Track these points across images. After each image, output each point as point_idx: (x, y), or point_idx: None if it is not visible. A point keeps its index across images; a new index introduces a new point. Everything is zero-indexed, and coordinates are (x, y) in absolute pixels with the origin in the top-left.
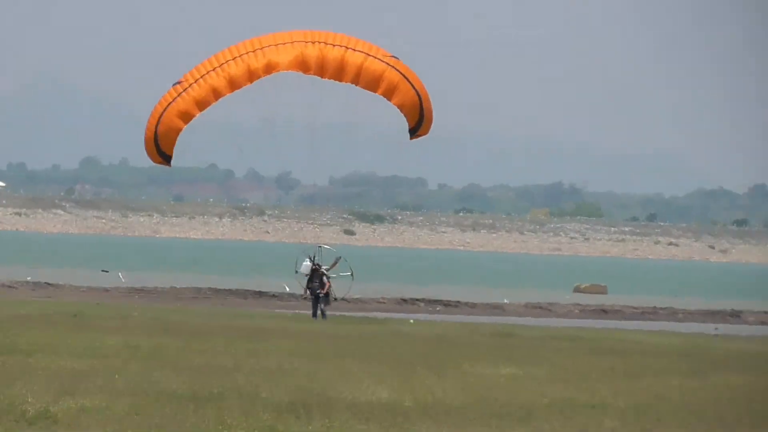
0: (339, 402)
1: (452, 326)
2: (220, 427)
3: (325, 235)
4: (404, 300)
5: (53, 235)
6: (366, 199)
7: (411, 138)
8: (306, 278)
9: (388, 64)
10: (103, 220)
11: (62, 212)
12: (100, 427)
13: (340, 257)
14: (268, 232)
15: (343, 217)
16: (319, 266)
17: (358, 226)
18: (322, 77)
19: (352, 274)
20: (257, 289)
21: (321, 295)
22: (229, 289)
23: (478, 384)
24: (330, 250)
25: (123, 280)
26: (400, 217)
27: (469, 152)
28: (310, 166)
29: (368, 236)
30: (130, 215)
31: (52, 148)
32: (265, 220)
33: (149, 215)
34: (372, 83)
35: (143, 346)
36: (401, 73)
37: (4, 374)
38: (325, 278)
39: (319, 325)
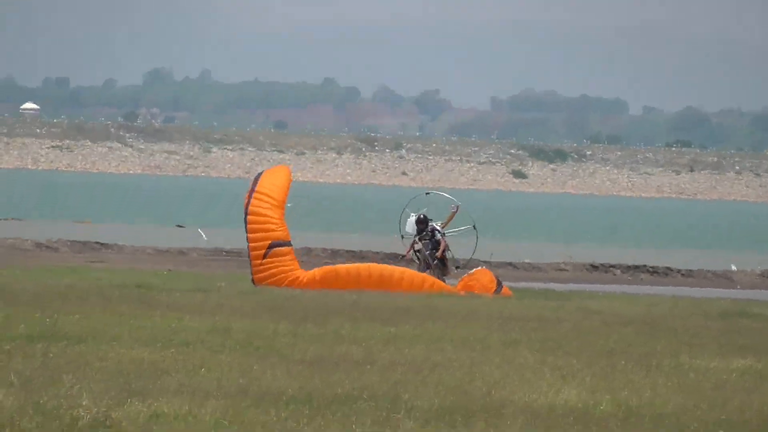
0: (510, 406)
1: (662, 302)
2: None
3: (486, 179)
4: (594, 266)
5: (107, 176)
6: (543, 129)
7: None
8: (415, 240)
9: None
10: (177, 157)
11: (120, 145)
12: None
13: (457, 206)
14: (406, 174)
15: (511, 154)
16: (428, 221)
17: (532, 166)
18: None
19: (474, 227)
20: (389, 251)
21: (434, 262)
22: (351, 251)
23: (700, 382)
24: (442, 196)
25: (205, 239)
26: (589, 153)
27: (690, 60)
28: (466, 82)
29: (544, 179)
30: (214, 149)
31: (107, 57)
32: (401, 157)
33: (241, 149)
34: None
35: (236, 331)
36: None
37: (46, 367)
38: (438, 235)
39: (478, 302)
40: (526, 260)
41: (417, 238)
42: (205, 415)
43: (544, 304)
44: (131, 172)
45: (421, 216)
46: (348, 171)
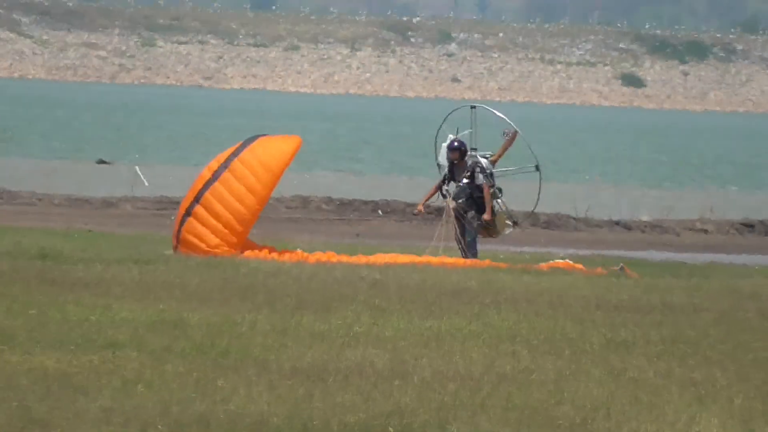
0: None
1: None
2: None
3: (581, 88)
4: (748, 224)
5: None
6: (670, 9)
7: None
8: (444, 175)
9: None
10: (102, 53)
11: (13, 35)
12: None
13: (514, 133)
14: (458, 80)
15: (621, 49)
16: (465, 150)
17: (652, 67)
18: None
19: (537, 168)
20: (407, 201)
21: (477, 222)
22: (370, 202)
23: None
24: (494, 114)
25: (145, 183)
26: (741, 48)
27: None
28: None
29: (672, 88)
30: (159, 42)
31: None
32: (450, 54)
33: (200, 42)
34: None
35: (192, 325)
36: None
37: None
38: (480, 178)
39: (568, 280)
40: (643, 218)
41: (446, 176)
42: None
43: (670, 285)
44: (31, 75)
45: (455, 143)
46: (367, 75)
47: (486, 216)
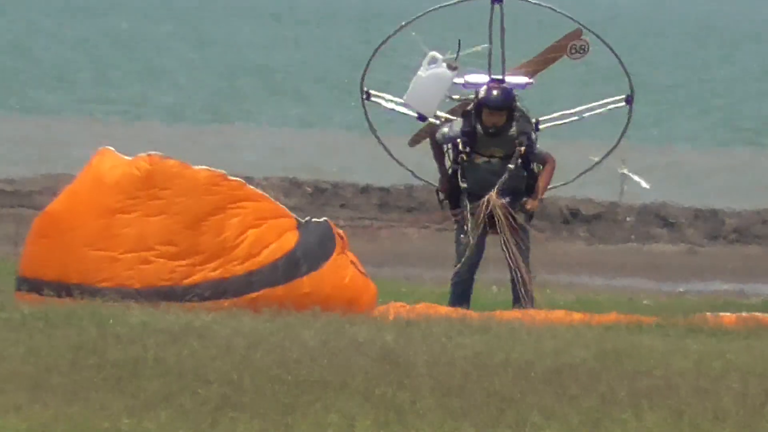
0: None
1: None
2: None
3: None
4: None
5: None
6: None
7: None
8: (447, 145)
9: None
10: None
11: None
12: None
13: (585, 43)
14: None
15: None
16: (515, 109)
17: None
18: None
19: (628, 99)
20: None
21: (519, 211)
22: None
23: None
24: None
25: None
26: None
27: None
28: None
29: None
30: None
31: None
32: None
33: None
34: None
35: None
36: None
37: None
38: (533, 138)
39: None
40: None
41: (462, 150)
42: None
43: None
44: None
45: (500, 97)
46: None
47: (531, 205)
